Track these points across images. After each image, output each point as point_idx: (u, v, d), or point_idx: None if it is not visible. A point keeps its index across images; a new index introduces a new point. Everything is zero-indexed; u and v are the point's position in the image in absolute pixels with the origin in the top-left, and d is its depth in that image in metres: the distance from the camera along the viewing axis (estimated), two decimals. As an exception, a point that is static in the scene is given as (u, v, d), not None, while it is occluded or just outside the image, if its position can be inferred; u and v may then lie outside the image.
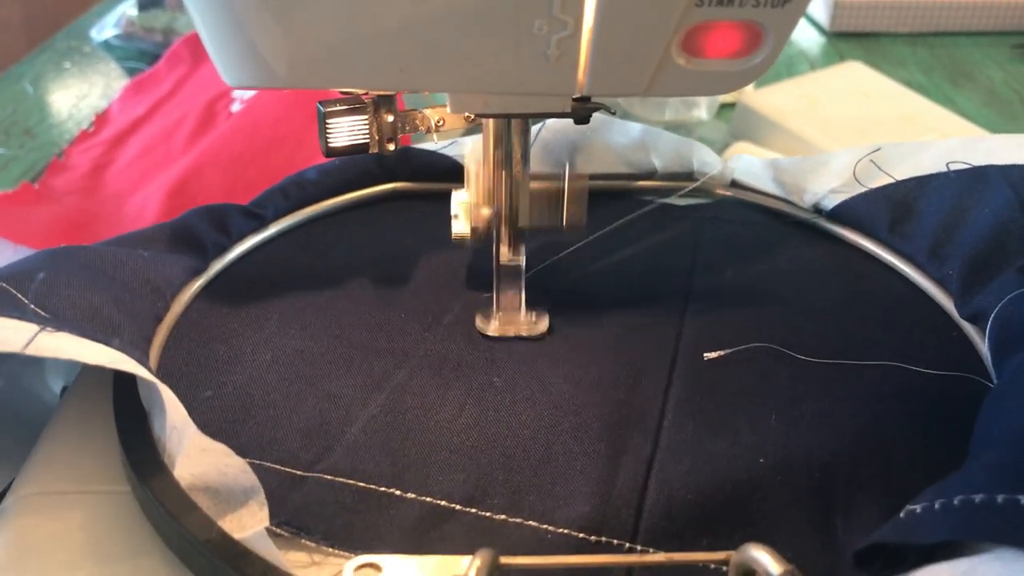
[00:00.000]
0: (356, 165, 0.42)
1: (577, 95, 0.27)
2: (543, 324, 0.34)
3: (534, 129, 0.42)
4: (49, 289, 0.29)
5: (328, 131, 0.33)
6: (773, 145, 0.56)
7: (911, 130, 0.56)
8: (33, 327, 0.26)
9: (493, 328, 0.34)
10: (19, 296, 0.28)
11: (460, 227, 0.33)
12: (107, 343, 0.27)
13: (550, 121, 0.42)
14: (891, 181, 0.38)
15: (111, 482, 0.27)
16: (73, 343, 0.26)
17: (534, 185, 0.32)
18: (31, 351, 0.25)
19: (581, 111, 0.31)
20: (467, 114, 0.31)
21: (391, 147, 0.34)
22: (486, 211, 0.33)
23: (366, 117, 0.33)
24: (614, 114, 0.36)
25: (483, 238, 0.33)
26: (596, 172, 0.42)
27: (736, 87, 0.27)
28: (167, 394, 0.25)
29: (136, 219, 0.52)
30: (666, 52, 0.25)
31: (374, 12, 0.24)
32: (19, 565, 0.25)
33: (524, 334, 0.33)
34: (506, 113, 0.30)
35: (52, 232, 0.50)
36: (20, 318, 0.27)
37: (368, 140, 0.33)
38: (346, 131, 0.33)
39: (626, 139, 0.42)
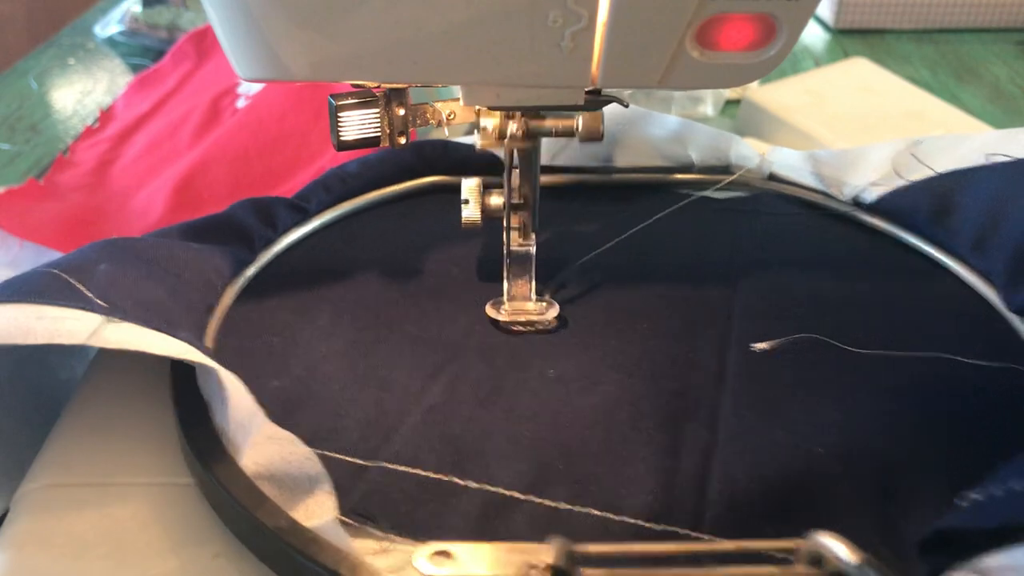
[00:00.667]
0: (396, 158, 0.42)
1: (590, 88, 0.27)
2: (553, 312, 0.34)
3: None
4: (110, 280, 0.29)
5: (339, 124, 0.33)
6: (778, 141, 0.56)
7: (916, 126, 0.56)
8: (98, 318, 0.26)
9: (503, 315, 0.34)
10: (80, 287, 0.28)
11: (470, 212, 0.34)
12: (171, 334, 0.27)
13: None
14: (931, 174, 0.38)
15: (129, 474, 0.27)
16: (139, 334, 0.26)
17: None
18: (95, 342, 0.25)
19: (593, 104, 0.30)
20: (478, 107, 0.31)
21: (402, 140, 0.34)
22: (497, 200, 0.33)
23: (377, 111, 0.33)
24: (627, 107, 0.36)
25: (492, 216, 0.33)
26: (633, 165, 0.42)
27: (749, 80, 0.27)
28: (234, 384, 0.25)
29: (142, 215, 0.52)
30: (680, 45, 0.25)
31: (394, 10, 0.24)
32: (33, 557, 0.25)
33: (535, 321, 0.33)
34: (518, 106, 0.30)
35: (58, 228, 0.50)
36: (84, 308, 0.27)
37: (379, 133, 0.33)
38: (357, 124, 0.33)
39: (663, 132, 0.42)
